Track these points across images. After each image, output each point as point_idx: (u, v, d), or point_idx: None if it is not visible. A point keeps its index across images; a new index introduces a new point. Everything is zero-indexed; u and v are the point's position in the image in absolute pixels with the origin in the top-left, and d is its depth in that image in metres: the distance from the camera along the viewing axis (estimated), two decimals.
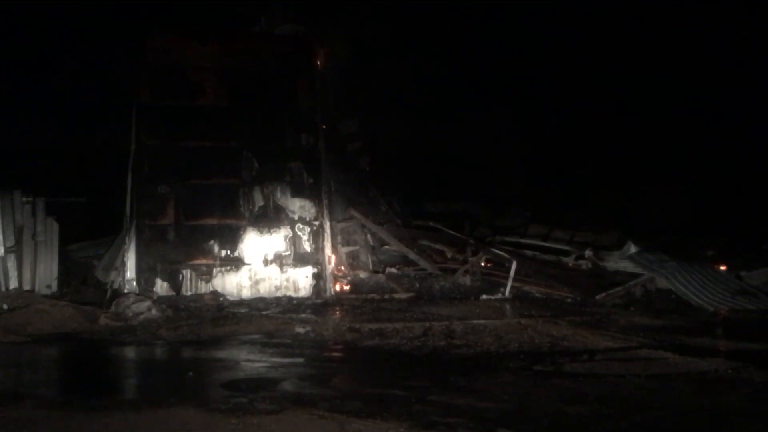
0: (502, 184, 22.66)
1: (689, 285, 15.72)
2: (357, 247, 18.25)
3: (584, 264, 18.10)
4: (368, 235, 18.57)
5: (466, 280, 17.35)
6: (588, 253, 18.12)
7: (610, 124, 22.61)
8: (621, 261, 17.68)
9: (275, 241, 16.25)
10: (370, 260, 18.14)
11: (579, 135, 22.70)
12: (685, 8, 21.59)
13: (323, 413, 6.69)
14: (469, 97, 22.58)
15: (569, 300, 15.87)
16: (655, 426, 6.51)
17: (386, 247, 18.70)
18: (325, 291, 16.06)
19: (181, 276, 15.69)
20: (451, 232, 19.15)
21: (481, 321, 12.46)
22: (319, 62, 17.51)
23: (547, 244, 19.18)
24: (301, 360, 9.62)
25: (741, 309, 14.71)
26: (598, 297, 15.74)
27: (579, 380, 8.26)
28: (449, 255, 18.63)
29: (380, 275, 17.50)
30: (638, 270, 16.96)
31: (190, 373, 8.70)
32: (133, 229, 15.62)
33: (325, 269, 16.27)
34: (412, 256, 18.21)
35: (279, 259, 16.13)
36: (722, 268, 17.36)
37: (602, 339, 11.09)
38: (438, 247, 18.87)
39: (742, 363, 9.22)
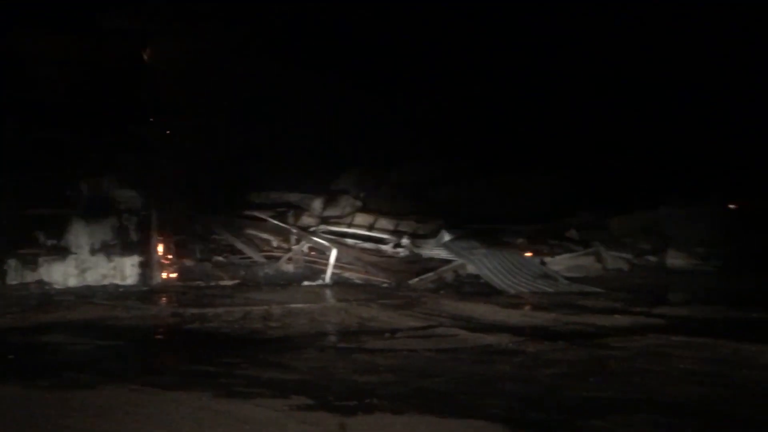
0: (335, 175, 23.36)
1: (495, 270, 16.79)
2: (184, 236, 18.72)
3: (402, 251, 19.12)
4: (196, 225, 19.07)
5: (290, 268, 18.14)
6: (405, 241, 19.15)
7: (452, 117, 23.24)
8: (436, 248, 18.68)
9: (103, 230, 16.40)
10: (197, 249, 18.65)
11: (422, 127, 23.14)
12: None
13: (137, 387, 7.32)
14: (310, 87, 22.70)
15: (385, 285, 16.77)
16: (433, 389, 7.39)
17: (214, 236, 19.26)
18: (152, 279, 16.37)
19: (5, 266, 15.77)
20: (276, 221, 19.84)
21: (299, 305, 13.22)
22: (150, 58, 17.78)
23: (369, 233, 20.09)
24: (122, 342, 10.16)
25: (540, 292, 15.86)
26: (411, 282, 16.74)
27: (376, 354, 9.14)
28: (275, 244, 19.37)
29: (207, 263, 18.06)
30: (451, 257, 17.99)
31: (10, 356, 9.09)
32: None
33: (152, 258, 16.62)
34: (239, 244, 18.85)
35: (106, 248, 16.32)
36: (528, 254, 18.66)
37: (408, 319, 12.03)
38: (265, 236, 19.57)
39: (523, 337, 10.35)
